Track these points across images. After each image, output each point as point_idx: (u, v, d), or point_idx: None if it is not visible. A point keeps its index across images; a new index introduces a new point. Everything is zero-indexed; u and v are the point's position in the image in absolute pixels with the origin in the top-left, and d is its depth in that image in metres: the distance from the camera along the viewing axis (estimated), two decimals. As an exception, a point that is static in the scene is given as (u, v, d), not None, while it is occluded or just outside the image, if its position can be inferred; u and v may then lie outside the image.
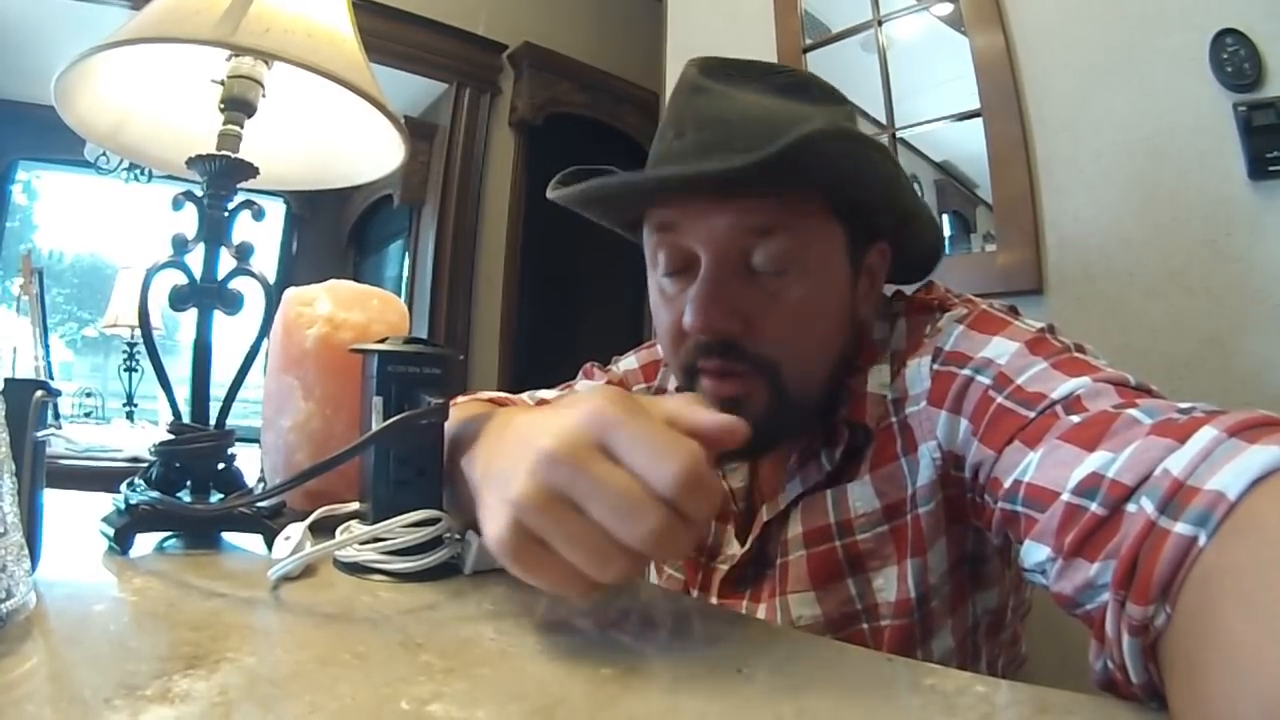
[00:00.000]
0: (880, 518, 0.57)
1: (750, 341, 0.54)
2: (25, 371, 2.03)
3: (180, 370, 0.57)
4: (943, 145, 1.35)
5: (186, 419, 0.55)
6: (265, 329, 0.58)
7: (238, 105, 0.57)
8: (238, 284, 0.57)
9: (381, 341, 0.52)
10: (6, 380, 0.39)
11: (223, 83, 0.57)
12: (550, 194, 0.62)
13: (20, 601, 0.32)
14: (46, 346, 1.99)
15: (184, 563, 0.47)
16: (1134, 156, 1.08)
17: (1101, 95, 1.12)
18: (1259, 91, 0.97)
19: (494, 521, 0.34)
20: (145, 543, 0.50)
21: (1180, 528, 0.29)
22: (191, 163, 0.56)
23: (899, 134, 1.38)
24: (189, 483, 0.54)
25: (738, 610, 0.62)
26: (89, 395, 2.63)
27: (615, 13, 3.13)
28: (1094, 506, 0.35)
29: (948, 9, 1.32)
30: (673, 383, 0.73)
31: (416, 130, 2.76)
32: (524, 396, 0.76)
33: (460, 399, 0.72)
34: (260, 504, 0.52)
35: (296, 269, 3.41)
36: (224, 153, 0.56)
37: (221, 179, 0.56)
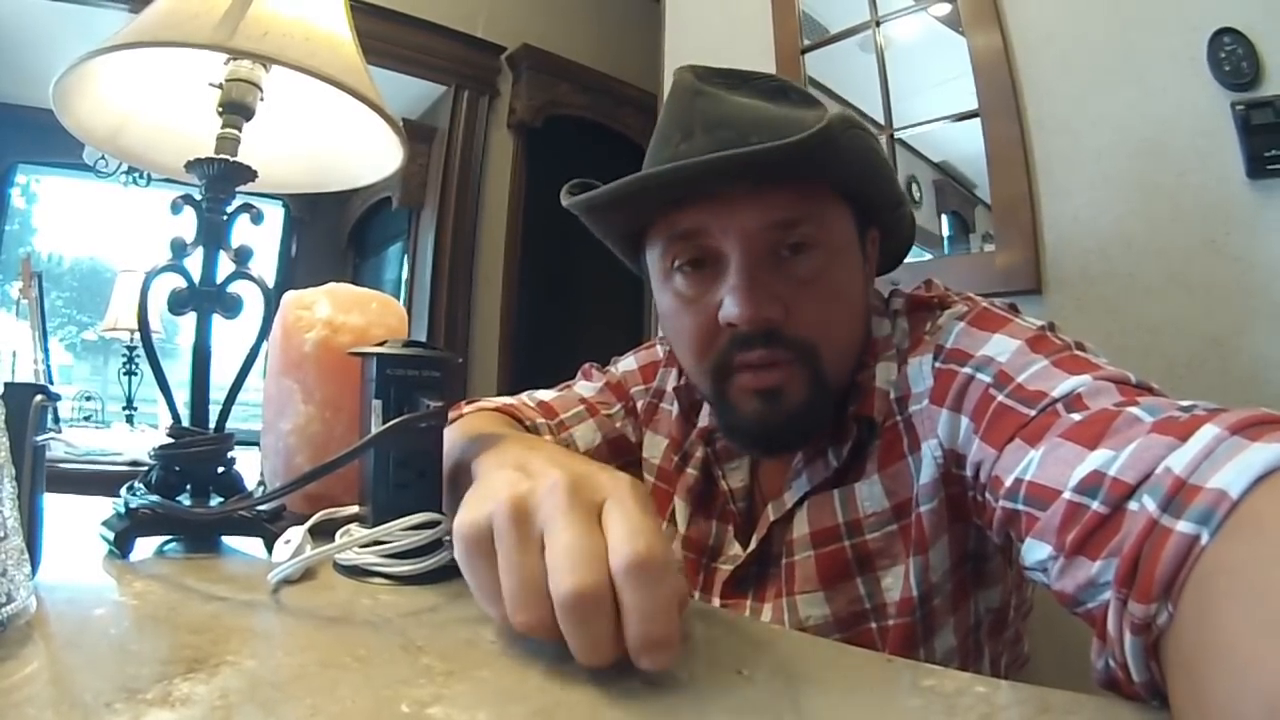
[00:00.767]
0: (889, 517, 0.57)
1: (790, 327, 0.54)
2: (25, 375, 2.03)
3: (180, 374, 0.57)
4: (941, 145, 1.35)
5: (186, 423, 0.55)
6: (264, 332, 0.59)
7: (236, 109, 0.57)
8: (237, 287, 0.57)
9: (380, 345, 0.52)
10: (6, 384, 0.39)
11: (221, 86, 0.57)
12: (568, 201, 0.61)
13: (21, 606, 0.32)
14: (46, 350, 1.99)
15: (184, 566, 0.47)
16: (1132, 156, 1.08)
17: (1100, 95, 1.12)
18: (1257, 90, 0.97)
19: (470, 509, 0.34)
20: (145, 546, 0.50)
21: (1182, 526, 0.29)
22: (190, 166, 0.56)
23: (897, 134, 1.38)
24: (189, 486, 0.54)
25: (742, 612, 0.62)
26: (88, 399, 2.64)
27: (613, 15, 3.13)
28: (1095, 505, 0.35)
29: (946, 9, 1.32)
30: (671, 383, 0.73)
31: (415, 133, 2.77)
32: (523, 398, 0.76)
33: (466, 408, 0.72)
34: (260, 507, 0.52)
35: (296, 272, 3.41)
36: (223, 156, 0.56)
37: (220, 182, 0.56)
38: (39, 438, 0.40)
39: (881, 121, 1.39)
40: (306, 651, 0.33)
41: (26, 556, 0.34)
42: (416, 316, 2.66)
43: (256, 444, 0.67)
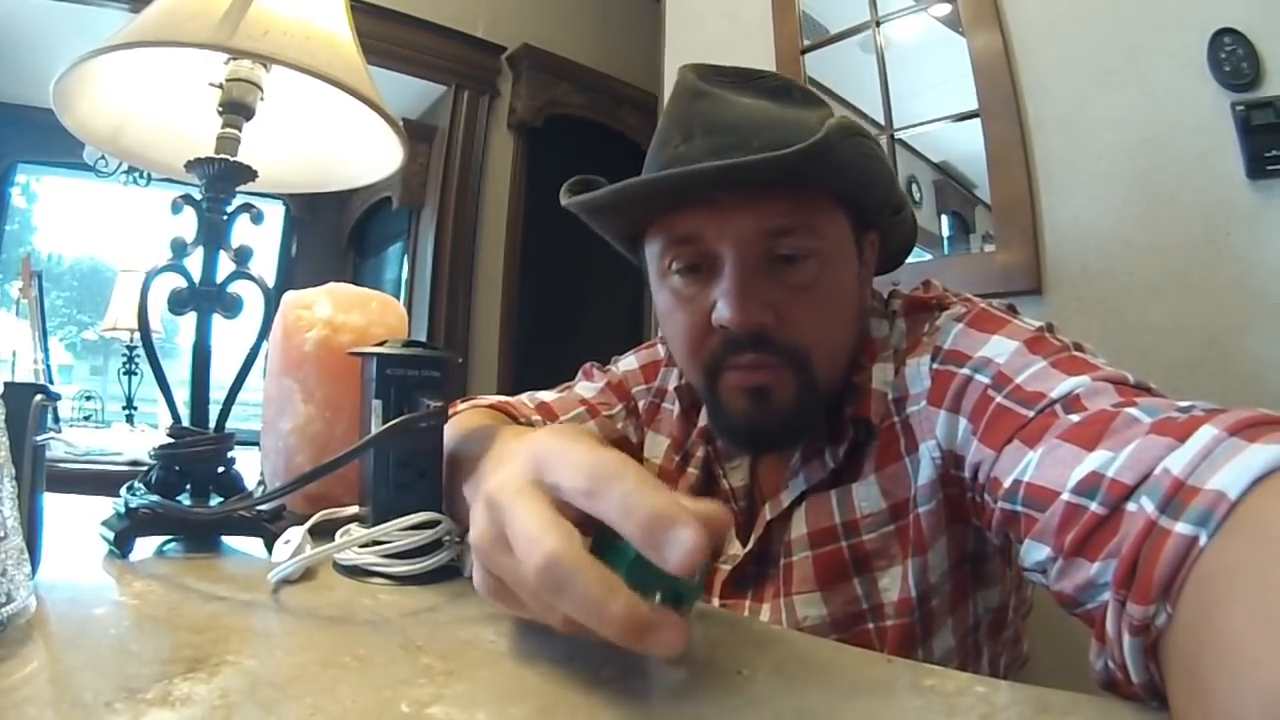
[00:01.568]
0: (886, 517, 0.57)
1: (781, 332, 0.55)
2: (25, 375, 2.03)
3: (180, 373, 0.57)
4: (941, 146, 1.35)
5: (186, 422, 0.55)
6: (264, 332, 0.59)
7: (236, 108, 0.57)
8: (237, 287, 0.57)
9: (381, 344, 0.52)
10: (6, 384, 0.39)
11: (221, 86, 0.57)
12: (566, 201, 0.61)
13: (21, 605, 0.32)
14: (46, 350, 1.99)
15: (184, 566, 0.47)
16: (1133, 156, 1.09)
17: (1100, 95, 1.12)
18: (1257, 91, 0.97)
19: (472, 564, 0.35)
20: (145, 546, 0.50)
21: (1181, 527, 0.29)
22: (190, 166, 0.56)
23: (897, 134, 1.38)
24: (189, 486, 0.54)
25: (741, 612, 0.62)
26: (88, 399, 2.63)
27: (614, 14, 3.13)
28: (1094, 506, 0.35)
29: (946, 9, 1.32)
30: (673, 383, 0.73)
31: (415, 133, 2.77)
32: (523, 398, 0.76)
33: (460, 405, 0.71)
34: (260, 507, 0.52)
35: (296, 272, 3.41)
36: (223, 156, 0.56)
37: (220, 182, 0.56)
38: (39, 437, 0.40)
39: (882, 122, 1.39)
40: (306, 651, 0.33)
41: (26, 556, 0.34)
42: (416, 316, 2.66)
43: (256, 444, 0.67)
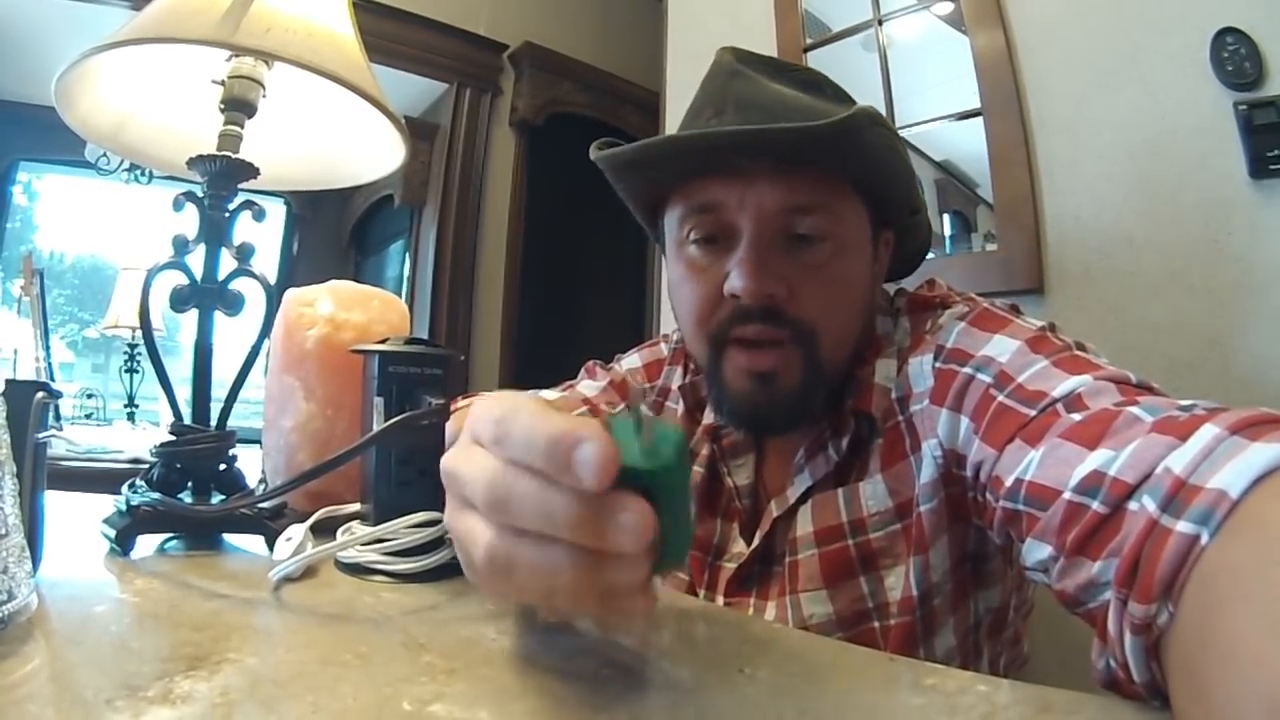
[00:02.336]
0: (892, 516, 0.57)
1: (792, 307, 0.56)
2: (26, 373, 2.03)
3: (181, 371, 0.57)
4: (943, 145, 1.35)
5: (188, 420, 0.55)
6: (266, 330, 0.59)
7: (238, 106, 0.57)
8: (238, 285, 0.57)
9: (382, 342, 0.52)
10: (8, 382, 0.39)
11: (223, 83, 0.57)
12: (595, 155, 0.61)
13: (22, 603, 0.32)
14: (47, 348, 1.99)
15: (185, 564, 0.47)
16: (1135, 156, 1.08)
17: (1102, 94, 1.12)
18: (1260, 90, 0.97)
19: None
20: (146, 544, 0.50)
21: (1182, 526, 0.29)
22: (192, 163, 0.56)
23: (900, 133, 1.38)
24: (190, 484, 0.54)
25: (745, 610, 0.62)
26: (90, 396, 2.63)
27: (616, 13, 3.13)
28: (1096, 505, 0.35)
29: (948, 8, 1.32)
30: (676, 381, 0.73)
31: (417, 130, 2.76)
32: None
33: (462, 402, 0.71)
34: (262, 505, 0.52)
35: (297, 269, 3.41)
36: (224, 153, 0.56)
37: (222, 179, 0.56)
38: (40, 435, 0.40)
39: (883, 120, 1.39)
40: (308, 649, 0.33)
41: (28, 554, 0.34)
42: (418, 314, 2.66)
43: (258, 441, 0.67)
